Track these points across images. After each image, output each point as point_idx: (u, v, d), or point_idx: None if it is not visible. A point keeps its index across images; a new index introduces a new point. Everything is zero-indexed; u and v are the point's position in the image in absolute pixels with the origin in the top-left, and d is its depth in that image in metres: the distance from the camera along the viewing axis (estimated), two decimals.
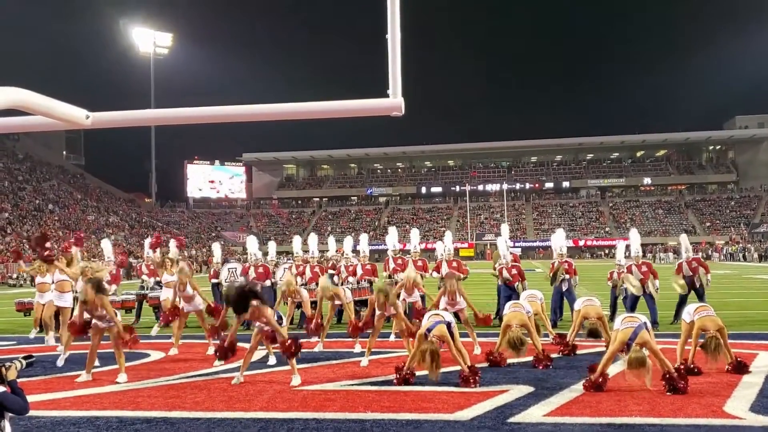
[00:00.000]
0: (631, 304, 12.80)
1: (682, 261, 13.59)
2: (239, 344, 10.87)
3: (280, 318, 8.94)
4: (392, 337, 11.66)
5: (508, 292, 13.10)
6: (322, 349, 10.78)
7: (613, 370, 8.42)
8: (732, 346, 9.57)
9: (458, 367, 8.10)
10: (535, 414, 6.50)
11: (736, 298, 19.44)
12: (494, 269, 14.51)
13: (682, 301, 12.69)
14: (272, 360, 9.64)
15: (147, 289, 15.58)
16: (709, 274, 13.35)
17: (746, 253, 56.84)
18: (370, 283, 13.85)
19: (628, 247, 13.90)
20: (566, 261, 13.72)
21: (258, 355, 9.72)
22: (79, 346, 10.28)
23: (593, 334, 9.40)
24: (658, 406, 6.62)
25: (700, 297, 12.92)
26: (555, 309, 13.51)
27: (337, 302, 11.38)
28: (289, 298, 12.10)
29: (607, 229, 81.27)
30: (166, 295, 12.87)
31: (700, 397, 6.95)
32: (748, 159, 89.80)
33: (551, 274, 13.60)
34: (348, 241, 16.03)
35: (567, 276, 13.31)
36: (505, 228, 16.22)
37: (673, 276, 13.51)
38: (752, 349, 9.84)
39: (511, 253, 14.16)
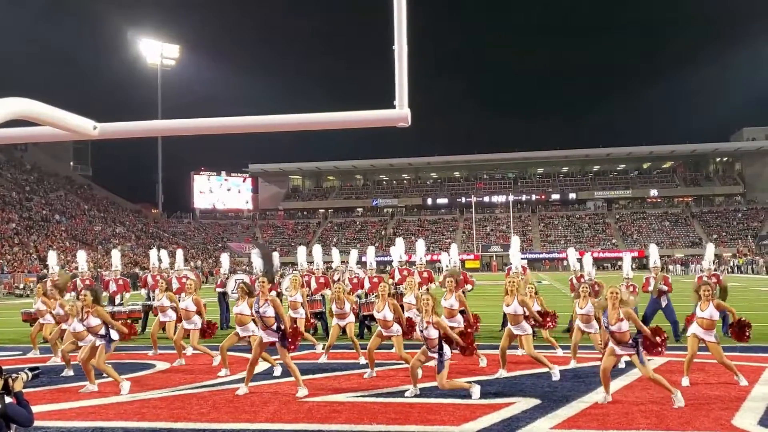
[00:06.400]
0: (650, 312, 13.04)
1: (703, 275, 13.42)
2: (240, 355, 10.90)
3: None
4: (395, 349, 11.61)
5: None
6: (327, 361, 10.75)
7: (619, 383, 8.39)
8: (739, 359, 9.55)
9: (468, 378, 8.04)
10: (541, 427, 6.46)
11: (744, 311, 19.24)
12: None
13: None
14: (277, 371, 9.61)
15: (153, 300, 15.56)
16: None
17: (754, 266, 56.54)
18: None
19: (634, 259, 14.00)
20: (665, 276, 13.97)
21: (262, 366, 9.70)
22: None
23: None
24: (666, 419, 6.57)
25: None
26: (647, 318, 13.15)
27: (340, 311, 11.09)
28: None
29: (613, 240, 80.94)
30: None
31: (709, 411, 6.90)
32: (756, 171, 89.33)
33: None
34: (353, 254, 15.98)
35: (665, 288, 13.18)
36: (515, 240, 15.99)
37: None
38: (760, 362, 9.78)
39: (522, 266, 14.19)
